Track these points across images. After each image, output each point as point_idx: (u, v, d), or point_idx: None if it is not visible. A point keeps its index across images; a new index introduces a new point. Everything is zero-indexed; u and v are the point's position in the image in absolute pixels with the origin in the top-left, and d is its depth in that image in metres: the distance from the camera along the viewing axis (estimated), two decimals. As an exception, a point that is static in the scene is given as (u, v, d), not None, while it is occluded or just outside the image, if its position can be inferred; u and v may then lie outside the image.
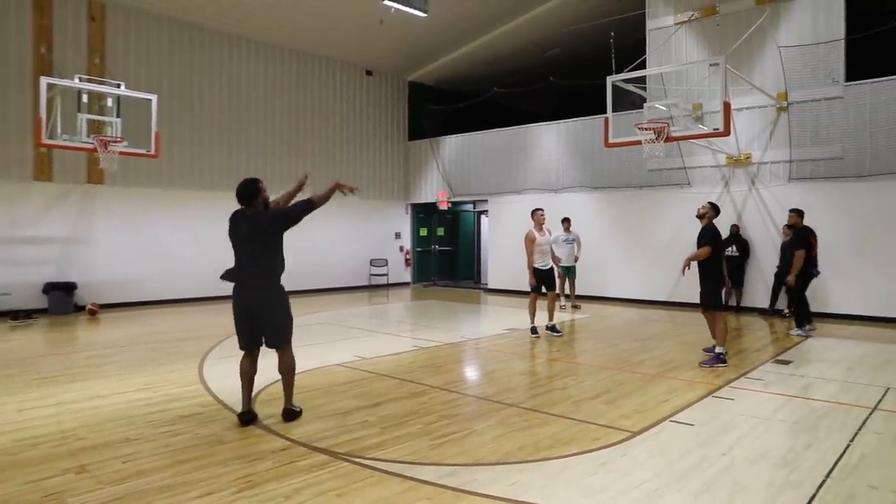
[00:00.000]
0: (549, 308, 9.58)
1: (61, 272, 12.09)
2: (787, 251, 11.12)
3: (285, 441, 4.54)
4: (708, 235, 7.39)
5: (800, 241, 9.39)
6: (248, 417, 4.97)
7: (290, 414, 5.07)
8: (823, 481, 3.81)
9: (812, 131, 11.37)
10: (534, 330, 9.35)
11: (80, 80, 10.28)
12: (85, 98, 10.43)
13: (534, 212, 9.50)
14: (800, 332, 9.47)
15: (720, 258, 7.59)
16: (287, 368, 5.09)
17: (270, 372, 6.73)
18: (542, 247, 9.26)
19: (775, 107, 11.71)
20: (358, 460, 4.15)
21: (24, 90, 11.57)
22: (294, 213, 4.98)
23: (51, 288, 11.79)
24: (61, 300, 11.80)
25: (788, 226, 10.24)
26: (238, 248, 4.94)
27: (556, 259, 9.72)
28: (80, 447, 4.41)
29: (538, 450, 4.39)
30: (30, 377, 6.62)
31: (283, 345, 5.04)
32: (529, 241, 9.23)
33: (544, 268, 9.32)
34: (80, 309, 12.02)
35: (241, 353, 5.09)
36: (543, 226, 9.39)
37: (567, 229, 12.35)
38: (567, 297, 12.72)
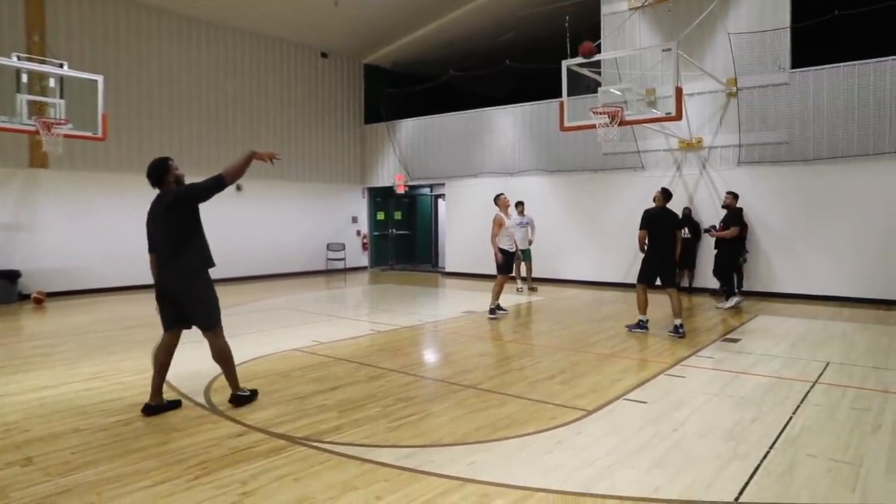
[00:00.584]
0: (494, 290, 9.66)
1: (4, 259, 11.63)
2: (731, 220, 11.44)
3: (242, 427, 4.49)
4: (643, 218, 8.19)
5: (734, 219, 10.35)
6: (150, 408, 4.75)
7: (239, 399, 4.96)
8: (767, 452, 3.97)
9: (760, 116, 11.69)
10: (499, 307, 9.60)
11: (19, 58, 9.82)
12: (24, 78, 9.97)
13: (497, 197, 9.80)
14: (728, 304, 10.28)
15: (659, 239, 8.12)
16: (218, 354, 4.90)
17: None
18: (509, 230, 9.56)
19: (725, 92, 11.98)
20: (316, 444, 4.14)
21: (-41, 69, 11.01)
22: (199, 189, 4.69)
23: (-8, 276, 11.35)
24: (5, 288, 11.36)
25: (724, 206, 10.82)
26: (150, 228, 4.82)
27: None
28: (25, 439, 4.28)
29: (495, 430, 4.45)
30: (-29, 368, 6.38)
31: (207, 325, 4.84)
32: (497, 225, 9.46)
33: (511, 250, 9.66)
34: (24, 297, 11.60)
35: (170, 337, 4.92)
36: (509, 209, 9.62)
37: (521, 213, 12.48)
38: (523, 279, 12.87)
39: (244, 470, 3.71)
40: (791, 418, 4.65)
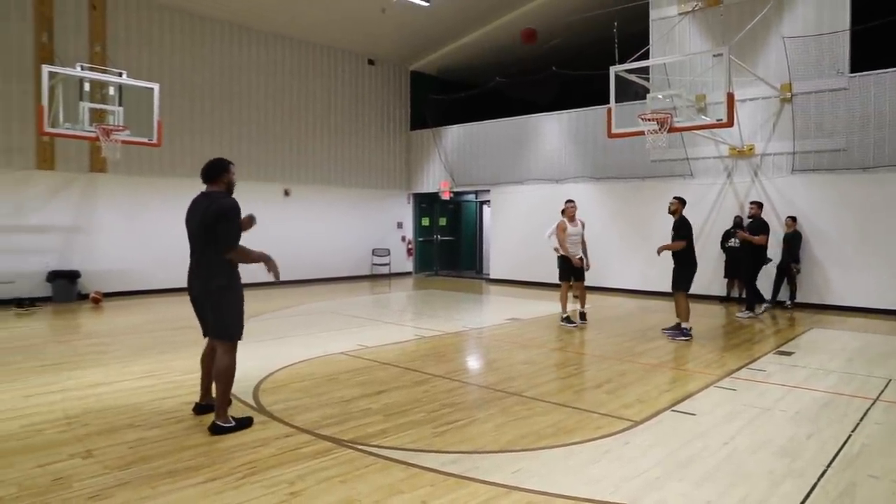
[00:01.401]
0: (581, 296, 9.72)
1: (65, 260, 12.12)
2: (790, 242, 11.16)
3: (289, 428, 4.57)
4: (684, 227, 8.49)
5: (762, 227, 10.47)
6: (200, 407, 4.84)
7: (216, 428, 4.41)
8: (825, 471, 3.83)
9: (816, 123, 11.34)
10: (567, 320, 9.46)
11: (82, 68, 10.24)
12: (87, 87, 10.39)
13: (566, 204, 9.70)
14: (750, 314, 10.33)
15: (692, 247, 8.61)
16: (218, 372, 4.51)
17: (275, 359, 6.79)
18: (573, 237, 9.46)
19: (779, 98, 11.66)
20: (361, 447, 4.18)
21: (26, 79, 11.55)
22: (221, 235, 4.43)
23: (54, 276, 11.82)
24: (65, 288, 11.84)
25: (750, 216, 10.84)
26: (188, 234, 4.64)
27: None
28: (86, 433, 4.44)
29: (540, 438, 4.41)
30: (34, 364, 6.66)
31: (219, 338, 4.56)
32: (560, 231, 9.48)
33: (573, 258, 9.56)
34: (83, 297, 12.06)
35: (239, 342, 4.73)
36: (575, 217, 9.56)
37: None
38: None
39: (291, 470, 3.77)
40: (850, 436, 4.48)
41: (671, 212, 8.69)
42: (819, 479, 3.70)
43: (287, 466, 3.83)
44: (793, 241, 11.21)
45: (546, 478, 3.71)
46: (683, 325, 8.38)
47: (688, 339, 8.24)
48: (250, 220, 4.79)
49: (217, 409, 4.50)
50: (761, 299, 10.76)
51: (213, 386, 4.62)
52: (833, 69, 11.13)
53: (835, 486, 3.61)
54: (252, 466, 3.82)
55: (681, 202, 8.66)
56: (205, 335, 4.80)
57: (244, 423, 4.55)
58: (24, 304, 11.11)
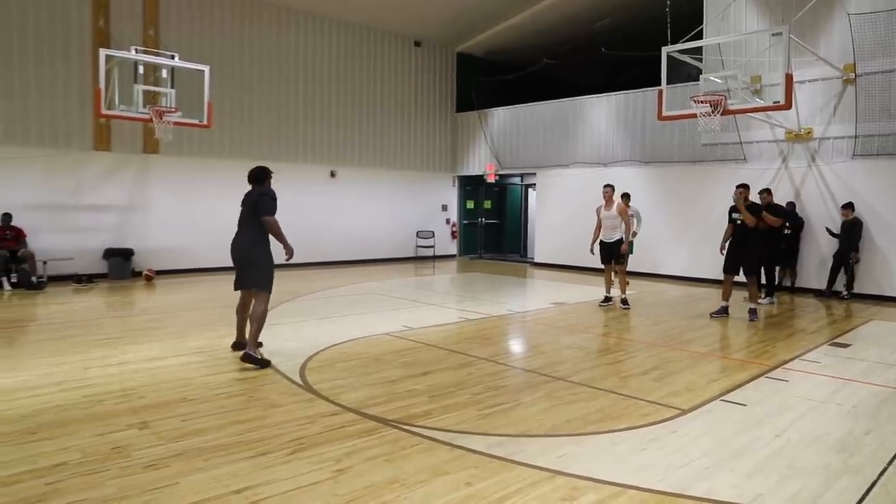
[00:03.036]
0: (619, 281, 9.79)
1: (119, 239, 12.52)
2: (850, 231, 10.74)
3: (336, 406, 4.64)
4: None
5: (779, 212, 10.31)
6: (235, 345, 6.15)
7: (248, 357, 5.65)
8: (886, 468, 3.69)
9: (881, 105, 10.80)
10: (605, 299, 9.79)
11: (136, 51, 10.48)
12: (141, 69, 10.62)
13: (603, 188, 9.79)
14: (770, 300, 10.26)
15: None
16: (255, 315, 5.80)
17: (321, 339, 6.91)
18: (606, 221, 9.53)
19: (841, 79, 11.15)
20: (407, 428, 4.21)
21: (84, 62, 11.89)
22: (262, 207, 5.84)
23: (110, 254, 12.23)
24: (120, 265, 12.24)
25: (767, 205, 10.15)
26: (241, 213, 6.06)
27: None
28: (142, 405, 4.60)
29: (586, 423, 4.37)
30: (93, 338, 6.92)
31: (255, 286, 5.84)
32: (596, 214, 9.69)
33: (608, 241, 9.57)
34: (137, 274, 12.46)
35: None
36: (613, 199, 9.57)
37: (626, 204, 12.04)
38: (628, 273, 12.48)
39: (338, 448, 3.83)
40: (911, 432, 4.31)
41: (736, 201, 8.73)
42: (879, 477, 3.57)
43: (334, 444, 3.89)
44: (853, 229, 10.78)
45: (591, 464, 3.67)
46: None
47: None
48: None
49: (250, 343, 5.73)
50: (770, 290, 10.43)
51: (248, 327, 5.93)
52: (902, 48, 10.57)
53: None
54: (300, 443, 3.90)
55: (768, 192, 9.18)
56: (236, 289, 6.09)
57: (265, 363, 5.69)
58: (82, 280, 11.54)
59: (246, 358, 5.65)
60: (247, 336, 5.88)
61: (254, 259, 5.83)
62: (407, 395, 4.97)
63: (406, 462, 3.64)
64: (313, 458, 3.66)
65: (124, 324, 7.91)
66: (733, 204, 8.82)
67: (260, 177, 6.03)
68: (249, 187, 6.07)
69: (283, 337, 6.97)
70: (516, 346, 7.33)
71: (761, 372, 5.87)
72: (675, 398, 5.00)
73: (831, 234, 11.10)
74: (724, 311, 8.83)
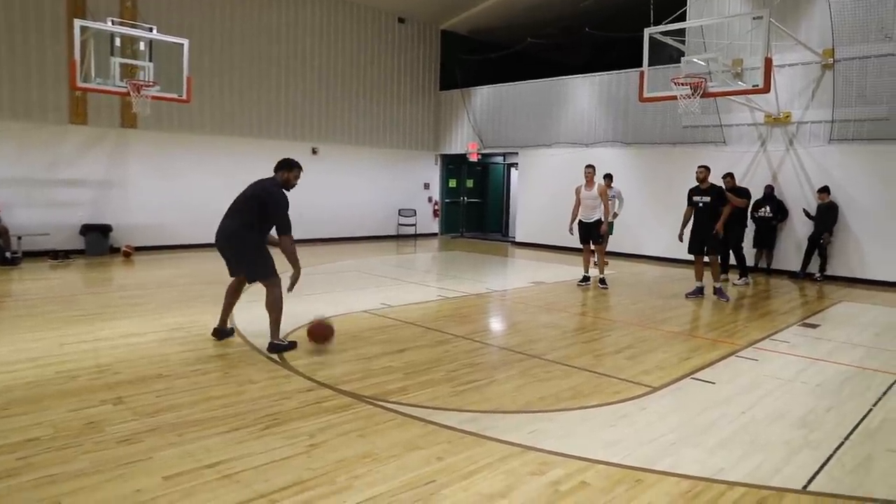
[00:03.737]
0: (598, 261, 9.88)
1: (97, 214, 12.37)
2: (825, 214, 10.92)
3: (311, 383, 4.68)
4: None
5: (744, 193, 10.52)
6: (217, 332, 5.81)
7: (273, 346, 5.41)
8: (842, 443, 3.82)
9: (858, 90, 10.93)
10: (584, 279, 9.91)
11: (113, 23, 10.28)
12: (118, 42, 10.44)
13: (585, 168, 9.82)
14: (746, 281, 10.51)
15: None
16: (269, 305, 5.45)
17: (299, 317, 6.91)
18: (586, 201, 9.58)
19: (820, 64, 11.26)
20: (381, 404, 4.27)
21: (59, 34, 11.63)
22: (280, 224, 5.36)
23: (87, 230, 12.08)
24: (97, 241, 12.11)
25: (728, 189, 10.06)
26: (235, 199, 5.55)
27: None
28: (117, 381, 4.60)
29: (558, 400, 4.46)
30: (69, 314, 6.88)
31: (259, 279, 5.50)
32: (576, 194, 9.71)
33: (587, 221, 9.63)
34: (115, 251, 12.34)
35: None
36: (594, 180, 9.64)
37: (609, 185, 12.09)
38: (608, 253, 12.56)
39: (312, 423, 3.87)
40: (871, 410, 4.45)
41: (701, 179, 8.86)
42: (835, 451, 3.69)
43: (308, 420, 3.93)
44: (828, 212, 10.95)
45: (562, 439, 3.76)
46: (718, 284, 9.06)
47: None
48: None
49: (272, 333, 5.46)
50: (744, 271, 10.66)
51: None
52: (881, 34, 10.68)
53: (851, 459, 3.61)
54: (274, 418, 3.94)
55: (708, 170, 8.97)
56: (232, 276, 5.72)
57: (292, 346, 5.53)
58: (58, 256, 11.41)
59: (272, 348, 5.41)
60: (225, 314, 5.87)
61: (240, 253, 5.46)
62: (383, 371, 5.02)
63: (379, 437, 3.70)
64: (287, 433, 3.71)
65: (101, 300, 7.87)
66: (694, 186, 8.96)
67: (279, 166, 5.51)
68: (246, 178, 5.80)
69: (261, 314, 6.94)
70: (493, 325, 7.41)
71: (732, 351, 6.00)
72: (647, 376, 5.10)
73: (808, 216, 11.27)
74: (699, 292, 8.97)
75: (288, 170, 5.48)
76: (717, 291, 8.90)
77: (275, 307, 5.44)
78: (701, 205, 8.84)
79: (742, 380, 5.08)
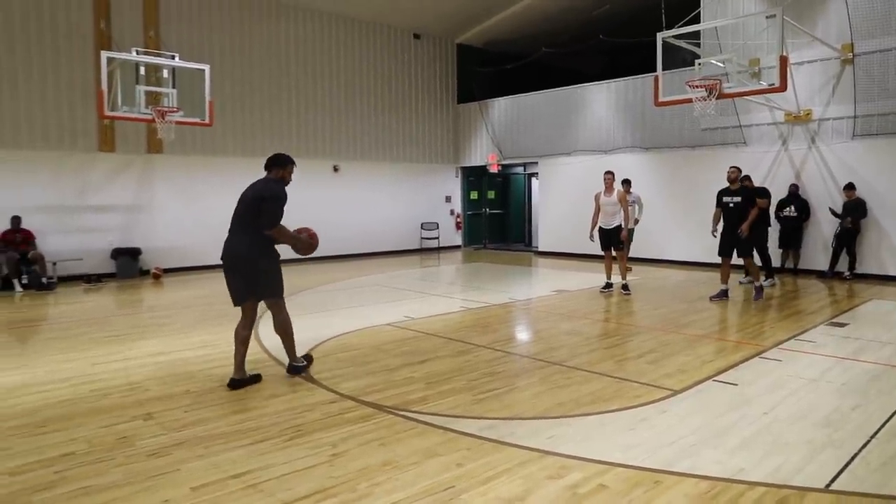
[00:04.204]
0: (620, 267, 9.82)
1: (127, 238, 12.70)
2: (854, 211, 10.74)
3: (334, 395, 4.76)
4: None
5: (763, 193, 10.42)
6: (234, 382, 4.94)
7: (293, 368, 5.25)
8: (867, 442, 3.77)
9: (880, 84, 10.78)
10: (606, 285, 9.83)
11: (137, 52, 10.62)
12: (142, 70, 10.77)
13: (604, 175, 9.85)
14: (772, 281, 10.35)
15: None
16: (278, 327, 5.15)
17: (323, 330, 7.03)
18: (606, 207, 9.56)
19: (839, 59, 11.13)
20: (402, 413, 4.33)
21: (87, 65, 12.04)
22: (264, 214, 4.87)
23: (118, 253, 12.42)
24: (128, 265, 12.43)
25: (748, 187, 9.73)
26: (236, 210, 5.08)
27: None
28: (147, 398, 4.74)
29: (578, 406, 4.48)
30: (101, 335, 7.09)
31: (267, 297, 5.06)
32: (595, 201, 9.71)
33: (607, 227, 9.60)
34: (144, 273, 12.65)
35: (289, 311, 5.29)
36: (614, 186, 9.65)
37: (627, 191, 12.08)
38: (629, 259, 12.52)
39: (335, 434, 3.95)
40: (898, 407, 4.38)
41: (732, 180, 8.84)
42: (860, 451, 3.65)
43: (331, 430, 4.01)
44: (856, 210, 10.76)
45: (580, 443, 3.78)
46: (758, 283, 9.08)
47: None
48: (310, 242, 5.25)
49: (289, 354, 5.26)
50: (769, 272, 10.49)
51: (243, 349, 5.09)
52: (900, 26, 10.53)
53: (877, 457, 3.56)
54: (298, 430, 4.03)
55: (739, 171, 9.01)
56: (235, 304, 5.07)
57: (309, 362, 5.39)
58: (91, 280, 11.74)
59: (292, 370, 5.22)
60: (240, 359, 5.06)
61: (258, 265, 4.95)
62: (404, 382, 5.09)
63: (400, 445, 3.76)
64: (310, 444, 3.79)
65: (131, 321, 8.08)
66: (724, 188, 8.91)
67: (271, 163, 5.15)
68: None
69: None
70: (515, 333, 7.44)
71: (756, 352, 5.95)
72: (668, 379, 5.09)
73: (835, 214, 11.09)
74: (723, 295, 8.89)
75: (282, 166, 5.12)
76: (757, 290, 8.91)
77: (286, 328, 5.15)
78: (731, 205, 8.81)
79: (765, 380, 5.04)
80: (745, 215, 8.64)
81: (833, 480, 3.28)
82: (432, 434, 3.95)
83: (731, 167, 8.92)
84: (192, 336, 6.96)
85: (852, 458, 3.55)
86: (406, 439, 3.86)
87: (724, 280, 8.99)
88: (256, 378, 5.13)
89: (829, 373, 5.25)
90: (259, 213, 4.86)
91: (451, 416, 4.28)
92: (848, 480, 3.28)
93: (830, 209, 11.20)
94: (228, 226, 5.03)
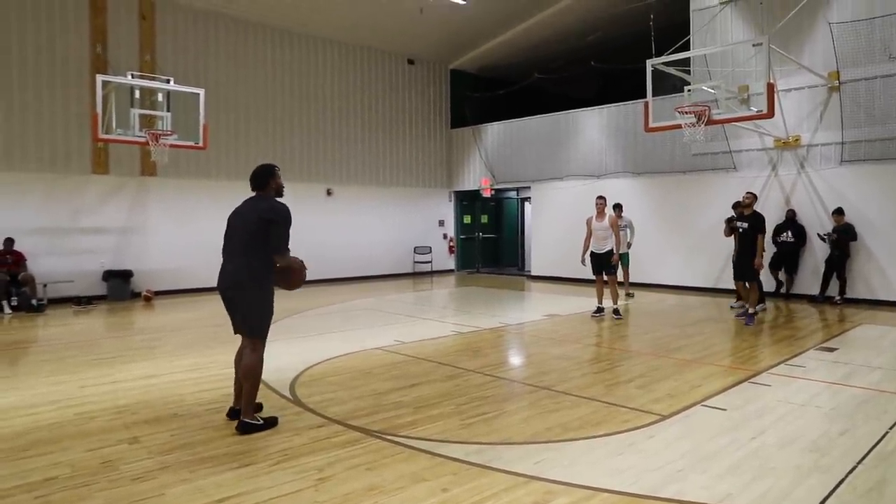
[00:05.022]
0: (611, 292, 9.81)
1: (118, 260, 12.68)
2: (843, 236, 10.82)
3: (322, 419, 4.74)
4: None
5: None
6: (234, 412, 4.66)
7: (246, 427, 4.42)
8: (854, 467, 3.78)
9: (866, 111, 10.95)
10: (597, 310, 9.81)
11: (133, 76, 10.72)
12: (137, 94, 10.87)
13: (596, 200, 9.91)
14: (763, 307, 10.22)
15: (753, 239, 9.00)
16: (245, 370, 4.51)
17: (313, 354, 7.01)
18: (598, 232, 9.60)
19: (826, 86, 11.31)
20: (389, 438, 4.31)
21: (83, 88, 12.12)
22: (273, 238, 4.48)
23: (109, 275, 12.39)
24: (119, 287, 12.39)
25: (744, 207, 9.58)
26: (227, 232, 4.68)
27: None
28: (133, 421, 4.71)
29: (566, 430, 4.47)
30: (90, 358, 7.04)
31: (250, 334, 4.57)
32: (587, 226, 9.74)
33: (599, 252, 9.64)
34: (136, 295, 12.61)
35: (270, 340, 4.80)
36: (605, 210, 9.72)
37: (619, 216, 12.17)
38: (620, 283, 12.56)
39: (321, 458, 3.93)
40: (887, 433, 4.38)
41: (746, 205, 9.22)
42: (847, 475, 3.65)
43: (317, 455, 3.99)
44: (846, 234, 10.85)
45: (567, 469, 3.77)
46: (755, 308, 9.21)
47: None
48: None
49: (244, 408, 4.48)
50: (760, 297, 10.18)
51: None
52: (885, 54, 10.73)
53: (863, 483, 3.56)
54: (284, 454, 4.00)
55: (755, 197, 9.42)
56: (236, 332, 4.68)
57: (271, 423, 4.54)
58: (81, 302, 11.68)
59: (242, 428, 4.40)
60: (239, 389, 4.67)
61: (248, 298, 4.49)
62: (393, 406, 5.07)
63: (386, 470, 3.74)
64: (296, 468, 3.77)
65: (121, 344, 8.04)
66: (732, 214, 9.15)
67: (261, 180, 4.67)
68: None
69: (275, 353, 7.06)
70: (506, 358, 7.43)
71: (745, 377, 5.96)
72: (657, 405, 5.09)
73: (822, 239, 11.17)
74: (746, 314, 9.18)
75: (272, 176, 4.69)
76: (749, 316, 8.98)
77: (253, 373, 4.49)
78: (741, 230, 9.17)
79: (754, 405, 5.04)
80: (753, 241, 8.91)
81: (820, 506, 3.28)
82: (419, 459, 3.93)
83: (747, 193, 9.45)
84: (183, 359, 6.92)
85: (839, 484, 3.55)
86: (393, 464, 3.84)
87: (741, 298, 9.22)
88: (257, 408, 4.73)
89: (817, 397, 5.26)
90: (267, 236, 4.45)
91: (439, 440, 4.26)
92: (835, 506, 3.28)
93: (818, 234, 11.29)
94: (222, 249, 4.67)
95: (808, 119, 11.66)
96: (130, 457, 3.98)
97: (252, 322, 4.54)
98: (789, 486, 3.51)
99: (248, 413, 4.47)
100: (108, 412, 4.95)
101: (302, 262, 4.68)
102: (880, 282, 10.88)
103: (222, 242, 4.68)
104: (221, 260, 4.64)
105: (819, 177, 11.57)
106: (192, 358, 6.98)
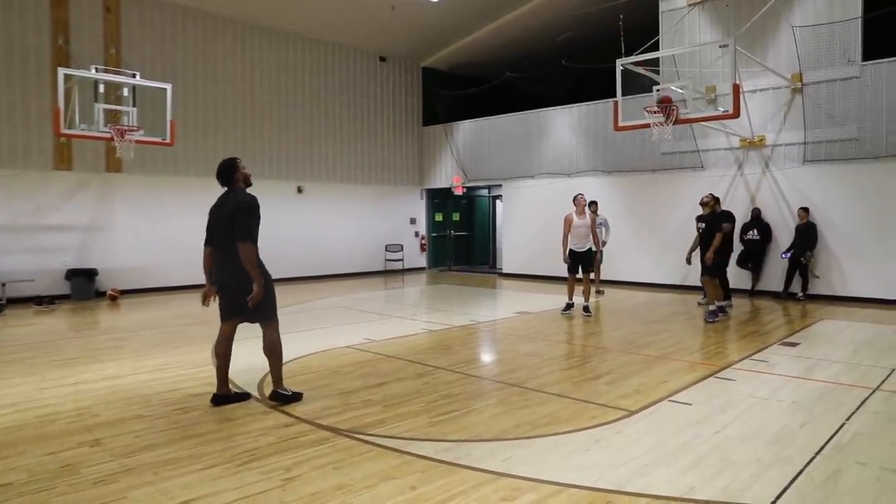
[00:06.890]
0: (584, 289, 9.85)
1: (82, 259, 12.41)
2: (804, 234, 11.08)
3: (290, 418, 4.70)
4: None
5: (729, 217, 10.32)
6: (217, 398, 5.03)
7: (278, 397, 5.01)
8: (813, 458, 3.87)
9: (827, 112, 11.23)
10: (567, 306, 9.79)
11: (97, 70, 10.48)
12: (102, 88, 10.63)
13: (575, 197, 9.88)
14: (729, 303, 10.15)
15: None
16: (268, 348, 5.06)
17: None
18: (578, 230, 9.58)
19: (790, 88, 11.57)
20: (358, 436, 4.29)
21: (44, 82, 11.83)
22: (239, 228, 4.78)
23: (73, 274, 12.11)
24: (83, 286, 12.12)
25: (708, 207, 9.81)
26: (211, 220, 5.04)
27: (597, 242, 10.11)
28: (95, 423, 4.61)
29: (534, 427, 4.49)
30: (50, 359, 6.88)
31: (260, 320, 5.01)
32: (566, 223, 9.65)
33: (579, 250, 9.65)
34: (100, 294, 12.35)
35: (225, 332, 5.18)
36: (586, 209, 9.76)
37: (594, 213, 12.24)
38: (592, 281, 12.66)
39: (289, 458, 3.89)
40: (843, 424, 4.50)
41: (703, 204, 9.56)
42: (805, 467, 3.74)
43: (285, 454, 3.95)
44: (807, 232, 11.12)
45: (535, 465, 3.79)
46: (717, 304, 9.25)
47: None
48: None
49: (276, 379, 5.07)
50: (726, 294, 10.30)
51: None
52: (844, 58, 11.01)
53: (821, 473, 3.65)
54: (251, 454, 3.96)
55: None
56: (221, 319, 5.08)
57: (297, 397, 5.10)
58: (43, 301, 11.40)
59: (275, 397, 5.00)
60: (223, 375, 5.10)
61: (248, 287, 4.77)
62: (362, 405, 5.05)
63: (354, 469, 3.72)
64: (263, 468, 3.73)
65: (84, 344, 7.87)
66: (699, 214, 9.33)
67: (227, 175, 4.99)
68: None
69: (243, 352, 6.97)
70: (476, 355, 7.44)
71: (711, 372, 6.06)
72: (624, 400, 5.15)
73: (787, 252, 11.39)
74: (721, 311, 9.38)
75: (236, 169, 5.01)
76: (710, 313, 9.08)
77: (276, 351, 5.06)
78: (699, 230, 9.61)
79: (718, 400, 5.14)
80: (710, 239, 9.12)
81: (779, 497, 3.35)
82: (388, 457, 3.92)
83: (706, 194, 9.78)
84: (149, 359, 6.80)
85: (798, 474, 3.63)
86: (361, 462, 3.83)
87: (716, 298, 9.36)
88: (244, 396, 5.20)
89: (780, 391, 5.38)
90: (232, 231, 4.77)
91: (408, 438, 4.26)
92: (793, 496, 3.36)
93: (782, 255, 11.49)
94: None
95: (772, 120, 11.90)
96: (92, 460, 3.89)
97: (260, 308, 4.88)
98: (750, 478, 3.58)
99: (279, 384, 5.06)
100: (69, 414, 4.84)
101: (265, 282, 4.89)
102: (839, 279, 11.17)
103: (204, 235, 5.05)
104: (202, 251, 5.05)
105: (783, 176, 11.82)
106: (158, 358, 6.86)
